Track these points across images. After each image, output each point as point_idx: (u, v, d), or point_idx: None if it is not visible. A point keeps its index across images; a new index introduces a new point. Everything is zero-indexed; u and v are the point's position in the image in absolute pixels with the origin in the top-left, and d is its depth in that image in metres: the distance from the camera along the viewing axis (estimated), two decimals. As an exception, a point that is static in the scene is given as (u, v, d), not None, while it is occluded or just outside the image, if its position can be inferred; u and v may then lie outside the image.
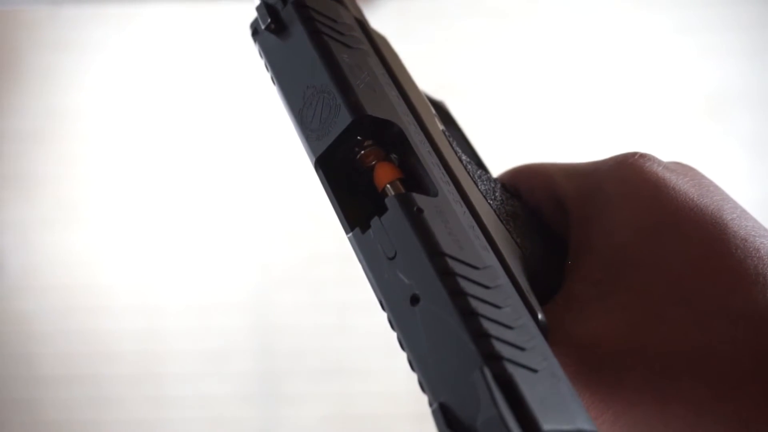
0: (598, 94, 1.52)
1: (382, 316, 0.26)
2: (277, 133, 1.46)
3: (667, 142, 1.49)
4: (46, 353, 1.49)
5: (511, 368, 0.23)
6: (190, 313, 1.50)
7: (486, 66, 1.54)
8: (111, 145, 1.57)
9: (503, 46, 1.56)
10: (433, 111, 0.33)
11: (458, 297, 0.24)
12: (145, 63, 1.61)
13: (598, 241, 0.29)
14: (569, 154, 1.43)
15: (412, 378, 0.25)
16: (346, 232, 0.27)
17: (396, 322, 0.25)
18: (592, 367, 0.27)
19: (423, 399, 0.24)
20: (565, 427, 0.23)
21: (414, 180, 0.28)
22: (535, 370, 0.23)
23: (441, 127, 0.32)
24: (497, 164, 0.42)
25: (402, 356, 0.25)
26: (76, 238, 1.53)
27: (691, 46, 1.53)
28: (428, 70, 1.47)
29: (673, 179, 0.29)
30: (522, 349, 0.24)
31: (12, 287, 1.53)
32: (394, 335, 0.26)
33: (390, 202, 0.26)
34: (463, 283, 0.24)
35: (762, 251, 0.27)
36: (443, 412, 0.23)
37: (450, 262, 0.24)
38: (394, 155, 0.29)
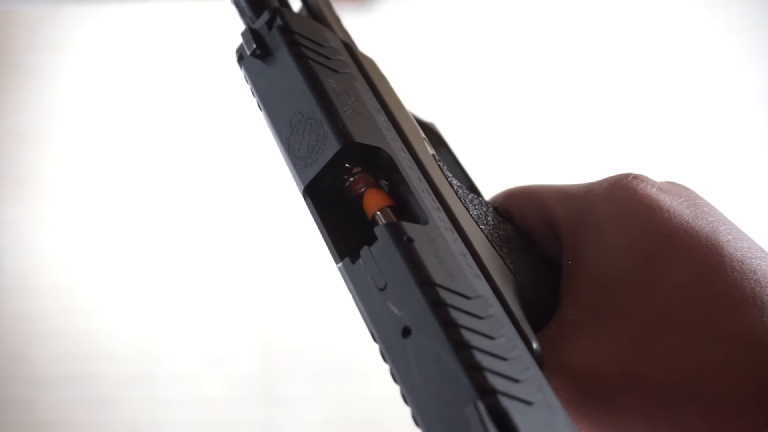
0: (604, 100, 1.51)
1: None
2: (280, 154, 1.46)
3: (693, 144, 1.48)
4: (44, 353, 1.49)
5: (505, 402, 0.22)
6: (188, 314, 1.50)
7: (486, 65, 1.54)
8: (108, 145, 1.57)
9: (504, 45, 1.55)
10: (423, 135, 0.33)
11: (450, 329, 0.23)
12: (143, 63, 1.60)
13: (591, 266, 0.29)
14: (575, 162, 1.42)
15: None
16: (336, 262, 0.27)
17: (388, 354, 0.25)
18: (588, 395, 0.26)
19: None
20: None
21: (404, 207, 0.28)
22: (530, 403, 0.23)
23: (431, 151, 0.32)
24: (491, 180, 0.41)
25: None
26: (73, 238, 1.53)
27: (721, 45, 1.51)
28: (427, 69, 1.48)
29: (667, 201, 0.29)
30: (516, 381, 0.23)
31: (8, 287, 1.52)
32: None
33: (379, 231, 0.26)
34: (454, 314, 0.24)
35: (759, 273, 0.27)
36: None
37: (441, 292, 0.24)
38: (384, 182, 0.29)
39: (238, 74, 0.31)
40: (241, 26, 0.32)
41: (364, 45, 0.34)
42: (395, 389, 0.25)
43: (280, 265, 1.50)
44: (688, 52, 1.53)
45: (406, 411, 0.24)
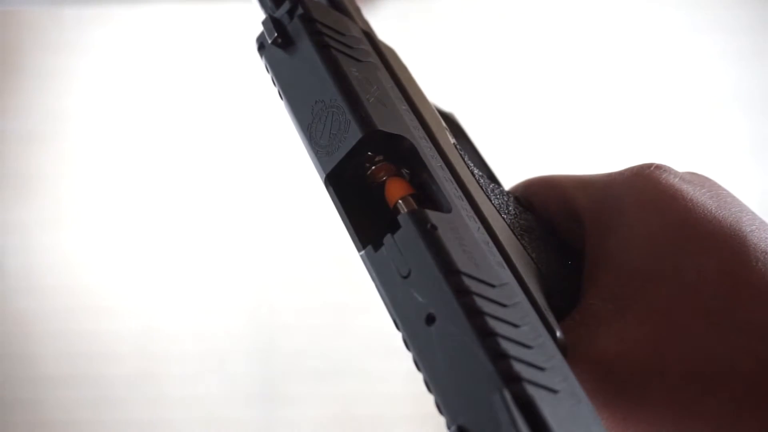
0: (604, 95, 1.51)
1: (382, 318, 0.25)
2: (277, 134, 1.46)
3: (677, 143, 1.49)
4: (46, 353, 1.49)
5: (531, 389, 0.22)
6: (190, 313, 1.50)
7: (488, 67, 1.54)
8: (110, 146, 1.57)
9: (506, 47, 1.55)
10: (444, 124, 0.33)
11: (475, 316, 0.23)
12: (145, 64, 1.60)
13: (615, 255, 0.29)
14: (575, 153, 1.43)
15: (412, 379, 0.24)
16: (358, 250, 0.27)
17: (411, 342, 0.25)
18: (612, 386, 0.26)
19: (422, 401, 0.24)
20: None
21: (426, 195, 0.28)
22: (555, 391, 0.23)
23: (452, 140, 0.32)
24: (508, 169, 0.41)
25: (401, 357, 0.25)
26: (75, 238, 1.53)
27: (704, 46, 1.52)
28: (428, 70, 1.47)
29: (691, 191, 0.29)
30: (541, 369, 0.23)
31: (11, 288, 1.52)
32: (393, 336, 0.25)
33: (403, 219, 0.25)
34: (479, 302, 0.24)
35: None
36: None
37: (466, 280, 0.24)
38: (406, 170, 0.28)
39: (242, 74, 0.31)
40: (249, 19, 0.32)
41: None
42: (395, 389, 0.25)
43: (280, 265, 1.50)
44: (693, 52, 1.53)
45: (405, 410, 0.24)
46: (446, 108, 0.36)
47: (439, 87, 1.41)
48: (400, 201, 0.27)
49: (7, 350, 1.50)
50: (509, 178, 0.36)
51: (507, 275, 0.26)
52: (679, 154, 1.46)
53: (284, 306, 1.49)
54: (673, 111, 1.51)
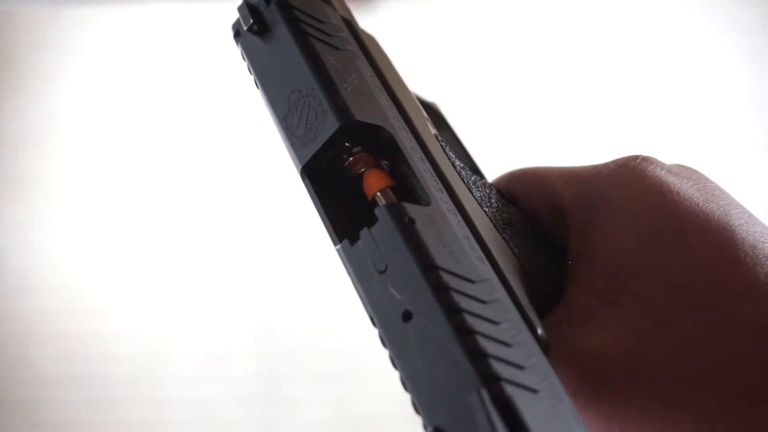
0: (601, 96, 1.51)
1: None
2: (275, 134, 1.45)
3: (685, 140, 1.48)
4: (45, 354, 1.49)
5: (509, 389, 0.21)
6: (189, 314, 1.49)
7: (486, 67, 1.53)
8: (108, 145, 1.57)
9: (504, 47, 1.55)
10: (425, 114, 0.32)
11: (453, 313, 0.22)
12: (142, 64, 1.60)
13: (599, 250, 0.28)
14: (575, 150, 1.42)
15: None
16: (334, 244, 0.26)
17: (387, 339, 0.24)
18: (596, 384, 0.25)
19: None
20: None
21: (405, 188, 0.27)
22: (535, 391, 0.22)
23: (433, 131, 0.31)
24: (495, 164, 0.40)
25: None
26: (75, 239, 1.52)
27: (711, 45, 1.52)
28: (426, 71, 1.47)
29: (677, 183, 0.28)
30: (521, 367, 0.22)
31: (11, 288, 1.52)
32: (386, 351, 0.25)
33: (380, 212, 0.25)
34: (458, 298, 0.23)
35: None
36: None
37: (444, 275, 0.23)
38: (385, 162, 0.28)
39: (244, 74, 0.30)
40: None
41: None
42: (395, 389, 0.24)
43: (280, 265, 1.50)
44: (686, 51, 1.53)
45: (404, 409, 0.23)
46: (431, 98, 0.35)
47: (431, 78, 1.41)
48: (378, 193, 0.26)
49: (5, 351, 1.50)
50: (495, 169, 0.35)
51: (487, 270, 0.25)
52: (687, 151, 1.46)
53: (284, 306, 1.49)
54: (680, 108, 1.50)
